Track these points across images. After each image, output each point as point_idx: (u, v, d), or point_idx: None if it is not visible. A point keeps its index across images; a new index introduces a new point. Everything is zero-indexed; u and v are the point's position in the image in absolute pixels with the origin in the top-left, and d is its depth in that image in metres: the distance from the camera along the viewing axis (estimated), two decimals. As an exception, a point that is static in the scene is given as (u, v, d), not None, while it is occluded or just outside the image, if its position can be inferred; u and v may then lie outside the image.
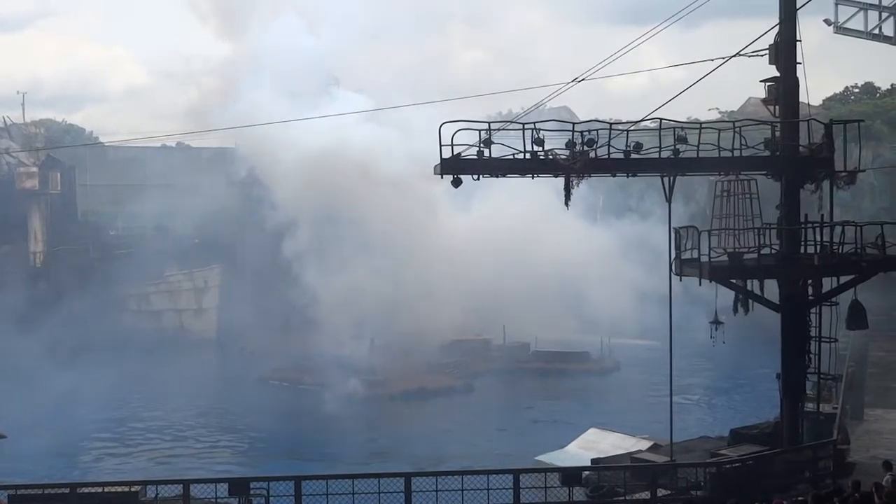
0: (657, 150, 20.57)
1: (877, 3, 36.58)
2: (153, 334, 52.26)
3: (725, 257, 20.99)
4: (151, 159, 61.44)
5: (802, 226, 21.57)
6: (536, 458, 25.89)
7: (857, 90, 71.53)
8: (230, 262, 54.44)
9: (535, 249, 44.46)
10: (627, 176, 22.00)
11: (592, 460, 23.59)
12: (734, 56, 20.87)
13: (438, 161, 19.65)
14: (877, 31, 37.04)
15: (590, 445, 26.40)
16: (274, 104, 41.65)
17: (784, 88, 21.59)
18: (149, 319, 55.45)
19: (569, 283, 45.56)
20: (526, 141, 19.83)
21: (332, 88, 47.42)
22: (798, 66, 21.51)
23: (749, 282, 21.41)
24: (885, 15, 36.76)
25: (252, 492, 19.69)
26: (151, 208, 57.22)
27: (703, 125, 21.75)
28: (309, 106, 41.59)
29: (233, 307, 50.62)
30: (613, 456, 24.13)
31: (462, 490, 19.46)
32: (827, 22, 38.16)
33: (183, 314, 55.87)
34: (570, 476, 20.07)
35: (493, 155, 19.90)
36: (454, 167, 19.84)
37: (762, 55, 21.42)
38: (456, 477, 19.74)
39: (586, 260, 45.38)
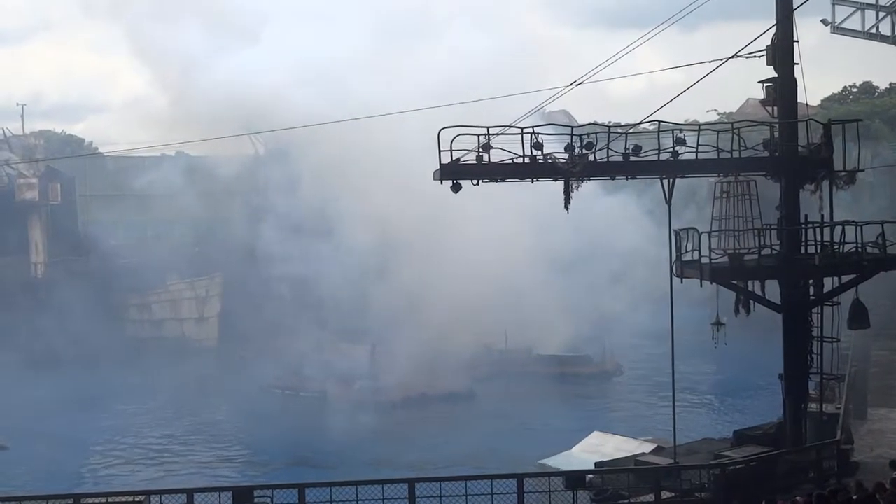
0: (656, 152, 20.63)
1: (874, 2, 36.66)
2: (155, 343, 52.21)
3: (726, 259, 21.00)
4: (151, 169, 61.42)
5: (803, 226, 21.59)
6: (540, 462, 25.83)
7: (855, 90, 71.51)
8: (231, 270, 54.24)
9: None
10: (627, 178, 22.06)
11: (596, 464, 23.55)
12: (732, 57, 20.90)
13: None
14: (874, 31, 37.11)
15: (593, 449, 26.33)
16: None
17: (782, 89, 21.61)
18: (150, 329, 55.43)
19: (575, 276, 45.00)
20: (525, 145, 19.88)
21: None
22: (796, 66, 21.54)
23: (750, 283, 21.42)
24: (882, 14, 36.84)
25: (256, 500, 19.70)
26: (152, 217, 57.09)
27: (702, 127, 21.82)
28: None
29: (234, 315, 50.48)
30: (617, 459, 24.07)
31: (466, 495, 19.47)
32: (824, 22, 38.26)
33: (184, 323, 55.80)
34: (574, 480, 20.10)
35: (492, 159, 19.94)
36: (454, 172, 19.89)
37: (760, 56, 21.46)
38: (460, 482, 19.74)
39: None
